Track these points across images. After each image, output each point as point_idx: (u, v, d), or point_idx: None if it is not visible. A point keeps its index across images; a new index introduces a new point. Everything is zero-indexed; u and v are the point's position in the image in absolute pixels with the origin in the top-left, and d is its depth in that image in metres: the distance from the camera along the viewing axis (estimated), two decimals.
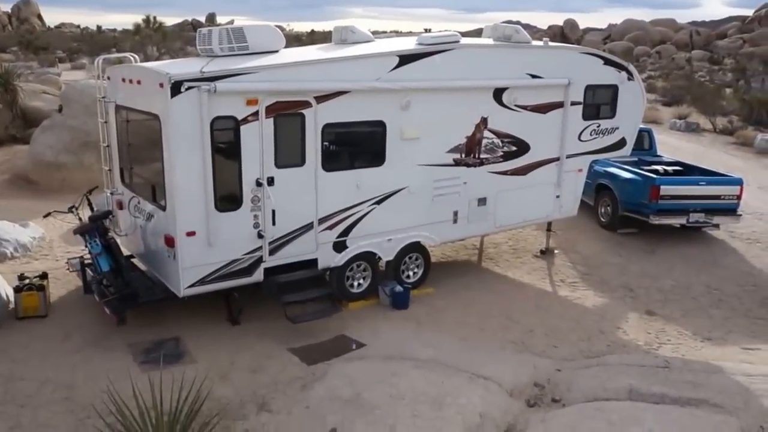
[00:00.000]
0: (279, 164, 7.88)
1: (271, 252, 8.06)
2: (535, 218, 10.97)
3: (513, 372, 7.31)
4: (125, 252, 8.76)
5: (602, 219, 13.50)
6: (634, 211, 12.71)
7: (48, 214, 9.48)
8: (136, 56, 8.87)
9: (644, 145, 14.55)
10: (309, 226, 8.32)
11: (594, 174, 13.39)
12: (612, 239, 12.82)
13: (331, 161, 8.36)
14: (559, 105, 10.44)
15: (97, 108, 9.06)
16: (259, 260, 8.00)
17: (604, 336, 8.72)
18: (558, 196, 10.92)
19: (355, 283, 9.11)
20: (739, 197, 12.43)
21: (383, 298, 9.19)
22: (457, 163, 9.54)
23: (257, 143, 7.67)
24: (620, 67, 11.00)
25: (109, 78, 8.76)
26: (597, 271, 11.30)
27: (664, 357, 7.92)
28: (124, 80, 8.21)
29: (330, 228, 8.52)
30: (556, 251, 12.11)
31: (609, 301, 10.07)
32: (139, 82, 7.79)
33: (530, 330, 8.75)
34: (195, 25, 78.50)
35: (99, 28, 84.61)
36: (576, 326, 8.97)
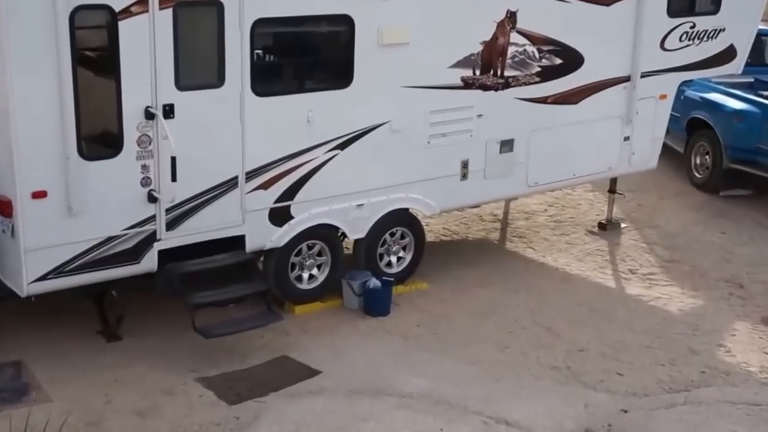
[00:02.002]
0: (182, 84, 7.80)
1: (170, 225, 8.02)
2: (591, 173, 11.01)
3: (553, 414, 7.33)
4: None
5: (697, 174, 13.52)
6: (748, 161, 12.74)
7: None
8: None
9: (766, 58, 14.55)
10: (231, 184, 8.28)
11: (685, 103, 13.37)
12: (711, 206, 12.88)
13: (267, 80, 8.29)
14: None
15: None
16: (152, 238, 7.96)
17: (697, 358, 8.78)
18: (627, 138, 10.96)
19: (305, 275, 9.11)
20: None
21: (349, 298, 9.21)
22: (467, 84, 9.51)
23: (147, 50, 7.57)
24: None
25: None
26: (687, 256, 11.35)
27: None
28: None
29: (264, 187, 8.49)
30: (623, 225, 12.14)
31: (705, 302, 10.13)
32: None
33: (581, 349, 8.80)
34: None
35: None
36: (653, 342, 9.03)
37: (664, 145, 11.73)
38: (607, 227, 11.99)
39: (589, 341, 8.94)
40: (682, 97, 12.86)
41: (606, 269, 10.88)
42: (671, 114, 11.49)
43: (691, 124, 13.54)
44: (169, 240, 8.05)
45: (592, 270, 10.79)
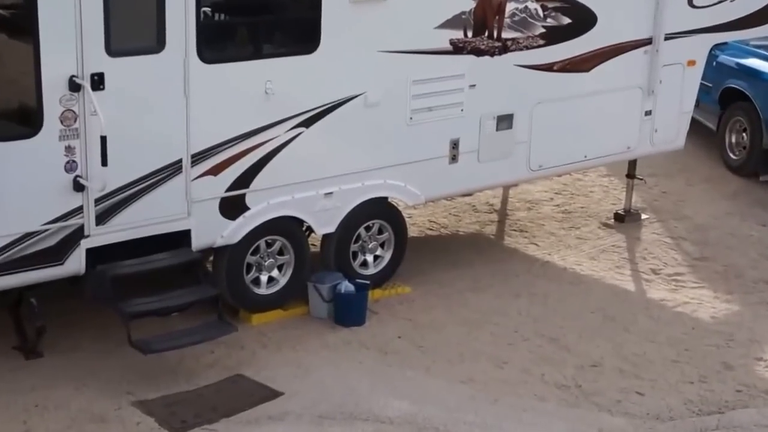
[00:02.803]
0: (114, 49, 7.78)
1: (100, 218, 8.00)
2: (606, 154, 11.06)
3: None
4: None
5: (732, 155, 13.54)
6: None
7: None
8: None
9: None
10: (174, 169, 8.29)
11: (718, 71, 13.39)
12: (749, 194, 12.92)
13: (217, 44, 8.33)
14: None
15: None
16: (78, 234, 7.94)
17: (732, 374, 8.83)
18: (649, 113, 11.01)
19: (264, 278, 9.14)
20: None
21: (317, 305, 9.24)
22: (457, 48, 9.54)
23: (71, 8, 7.52)
24: None
25: None
26: (720, 253, 11.37)
27: None
28: None
29: (214, 172, 8.50)
30: (644, 216, 12.17)
31: (741, 308, 10.17)
32: None
33: (594, 364, 8.83)
34: None
35: None
36: (680, 356, 9.07)
37: (693, 121, 11.77)
38: (625, 219, 12.00)
39: (604, 355, 8.96)
40: (714, 64, 12.90)
41: (624, 269, 10.89)
42: (701, 84, 11.52)
43: (726, 95, 13.57)
44: (100, 236, 8.02)
45: (607, 270, 10.81)
